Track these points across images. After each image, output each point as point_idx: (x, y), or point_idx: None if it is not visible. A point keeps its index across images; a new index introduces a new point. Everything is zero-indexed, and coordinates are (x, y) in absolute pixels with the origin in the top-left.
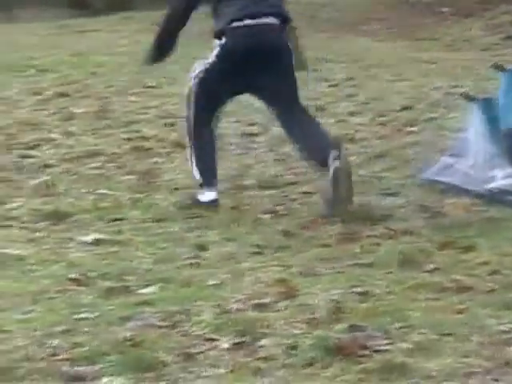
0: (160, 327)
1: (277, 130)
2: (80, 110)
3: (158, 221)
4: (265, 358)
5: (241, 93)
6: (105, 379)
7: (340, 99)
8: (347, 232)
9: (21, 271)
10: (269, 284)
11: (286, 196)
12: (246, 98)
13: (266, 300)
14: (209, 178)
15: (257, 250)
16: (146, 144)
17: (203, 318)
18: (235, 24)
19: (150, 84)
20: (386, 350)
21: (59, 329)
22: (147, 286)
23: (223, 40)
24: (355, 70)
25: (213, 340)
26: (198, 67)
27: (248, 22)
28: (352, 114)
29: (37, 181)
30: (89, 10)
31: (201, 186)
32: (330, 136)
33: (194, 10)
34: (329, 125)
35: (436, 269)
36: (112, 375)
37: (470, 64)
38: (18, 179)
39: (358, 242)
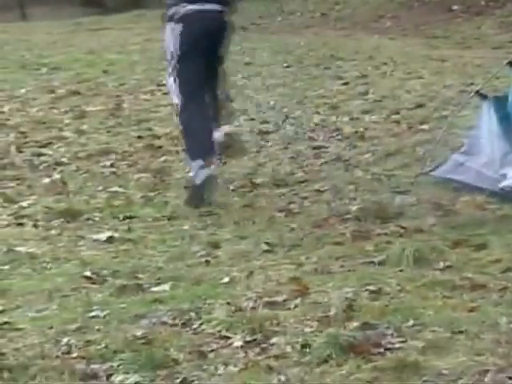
0: (172, 325)
1: (290, 128)
2: (92, 108)
3: (170, 219)
4: (277, 356)
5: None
6: (118, 377)
7: (352, 97)
8: (359, 230)
9: (34, 269)
10: (281, 282)
11: (299, 194)
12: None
13: (279, 298)
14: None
15: (269, 248)
16: (158, 142)
17: (215, 316)
18: (190, 8)
19: (162, 82)
20: (399, 348)
21: (73, 327)
22: (159, 284)
23: (181, 23)
24: (367, 68)
25: (225, 338)
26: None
27: (199, 7)
28: (364, 111)
29: (49, 179)
30: (102, 9)
31: (195, 170)
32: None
33: None
34: (342, 123)
35: (448, 267)
36: (125, 373)
37: (481, 62)
38: (31, 177)
39: (371, 240)
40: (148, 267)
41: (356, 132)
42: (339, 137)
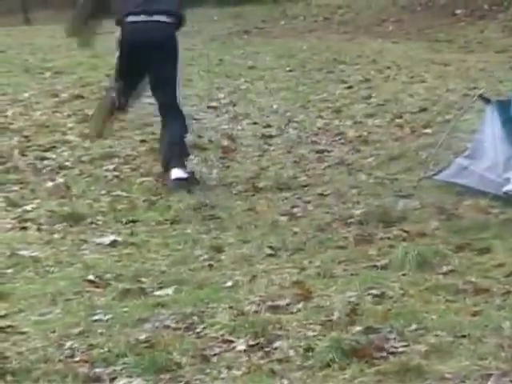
0: (175, 329)
1: (293, 132)
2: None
3: (173, 222)
4: (280, 360)
5: (141, 72)
6: (121, 381)
7: (355, 101)
8: (362, 234)
9: (37, 273)
10: (284, 286)
11: (302, 198)
12: (263, 101)
13: (281, 302)
14: None
15: (272, 251)
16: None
17: (218, 319)
18: (132, 18)
19: None
20: (402, 352)
21: (76, 330)
22: (162, 287)
23: (122, 30)
24: (370, 72)
25: (228, 342)
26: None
27: (142, 17)
28: (368, 115)
29: (53, 183)
30: (105, 12)
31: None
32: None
33: None
34: (345, 127)
35: (451, 271)
36: (128, 377)
37: (484, 66)
38: (35, 181)
39: (374, 244)
40: (151, 271)
41: (359, 136)
42: (342, 141)
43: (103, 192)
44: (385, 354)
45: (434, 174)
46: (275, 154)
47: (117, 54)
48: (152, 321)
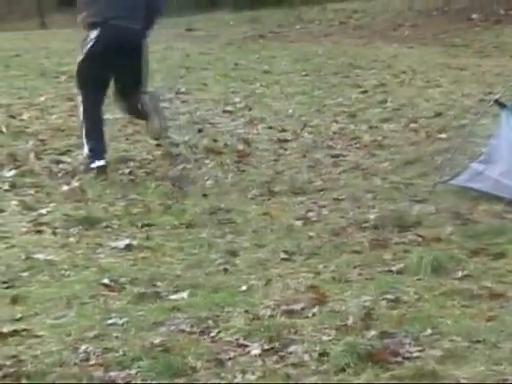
0: (190, 333)
1: (308, 136)
2: (111, 116)
3: (188, 226)
4: (295, 365)
5: (111, 72)
6: None
7: (371, 106)
8: (378, 239)
9: (53, 276)
10: (299, 290)
11: (317, 202)
12: (278, 105)
13: (297, 306)
14: (98, 152)
15: (287, 256)
16: (176, 150)
17: (233, 324)
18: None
19: (181, 90)
20: (417, 357)
21: (91, 334)
22: (177, 291)
23: (96, 33)
24: (386, 77)
25: (243, 346)
26: (81, 52)
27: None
28: (383, 120)
29: (68, 186)
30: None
31: (92, 157)
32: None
33: None
34: (361, 131)
35: (466, 276)
36: (143, 380)
37: (500, 71)
38: (50, 185)
39: (389, 249)
40: (166, 275)
41: (374, 140)
42: (357, 145)
43: (118, 196)
44: (400, 358)
45: (450, 179)
46: (290, 159)
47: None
48: (167, 325)
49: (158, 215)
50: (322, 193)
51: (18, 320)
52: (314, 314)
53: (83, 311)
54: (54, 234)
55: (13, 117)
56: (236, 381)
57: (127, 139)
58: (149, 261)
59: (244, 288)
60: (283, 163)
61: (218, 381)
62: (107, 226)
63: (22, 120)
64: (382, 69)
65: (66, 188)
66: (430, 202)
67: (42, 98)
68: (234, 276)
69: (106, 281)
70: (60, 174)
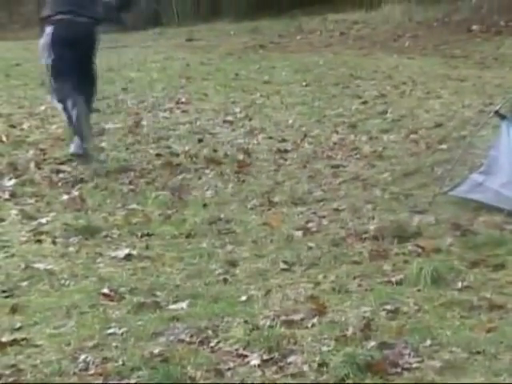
0: (189, 343)
1: (308, 147)
2: (111, 126)
3: (188, 236)
4: (294, 375)
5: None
6: None
7: (371, 116)
8: (377, 249)
9: (52, 286)
10: (299, 301)
11: (317, 213)
12: (279, 116)
13: (296, 317)
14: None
15: (287, 266)
16: (177, 160)
17: (232, 334)
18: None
19: (181, 100)
20: (416, 368)
21: (90, 343)
22: (177, 301)
23: (52, 26)
24: (386, 88)
25: (242, 356)
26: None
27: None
28: (383, 131)
29: (68, 196)
30: (121, 26)
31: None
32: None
33: None
34: (361, 142)
35: (466, 287)
36: None
37: (500, 82)
38: (50, 194)
39: (389, 260)
40: (166, 285)
41: (374, 151)
42: (358, 156)
43: (118, 205)
44: (399, 369)
45: (449, 190)
46: (290, 169)
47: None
48: (166, 334)
49: (157, 225)
50: (321, 203)
51: (18, 329)
52: (313, 325)
53: (83, 321)
54: (54, 243)
55: (13, 126)
56: None
57: (127, 149)
58: (148, 270)
59: (244, 298)
60: (283, 173)
61: None
62: (107, 236)
63: (22, 129)
64: (382, 79)
65: (65, 197)
66: (429, 212)
67: (43, 108)
68: (234, 286)
69: (105, 290)
70: (60, 184)
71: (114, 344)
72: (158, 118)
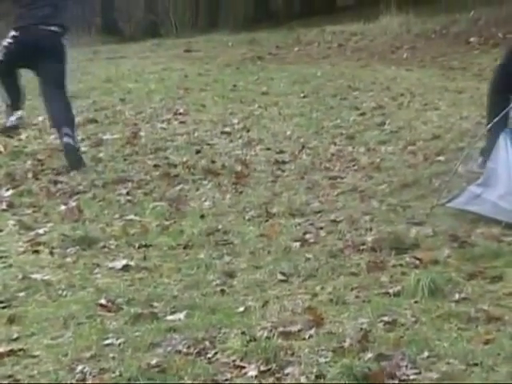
0: (186, 354)
1: (306, 158)
2: (109, 137)
3: (186, 247)
4: None
5: (26, 66)
6: None
7: (369, 128)
8: (375, 261)
9: (50, 296)
10: (296, 312)
11: (315, 224)
12: (276, 127)
13: (293, 328)
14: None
15: (284, 277)
16: (174, 171)
17: (230, 345)
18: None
19: (179, 111)
20: (414, 380)
21: (87, 354)
22: (174, 312)
23: (15, 33)
24: (384, 99)
25: (239, 367)
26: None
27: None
28: (381, 142)
29: (66, 206)
30: (119, 37)
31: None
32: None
33: None
34: (358, 153)
35: (464, 299)
36: None
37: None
38: (48, 205)
39: (386, 271)
40: (163, 296)
41: (372, 163)
42: (355, 167)
43: (116, 216)
44: (397, 381)
45: (447, 202)
46: (288, 180)
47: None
48: (164, 345)
49: (155, 236)
50: (319, 215)
51: (15, 340)
52: (310, 336)
53: (80, 331)
54: (52, 253)
55: (11, 136)
56: None
57: (125, 159)
58: (146, 281)
59: (241, 309)
60: (281, 185)
61: None
62: (104, 247)
63: (20, 140)
64: (380, 91)
65: (63, 208)
66: (427, 224)
67: (40, 118)
68: (231, 297)
69: (102, 301)
70: (58, 194)
71: (111, 355)
72: (155, 128)
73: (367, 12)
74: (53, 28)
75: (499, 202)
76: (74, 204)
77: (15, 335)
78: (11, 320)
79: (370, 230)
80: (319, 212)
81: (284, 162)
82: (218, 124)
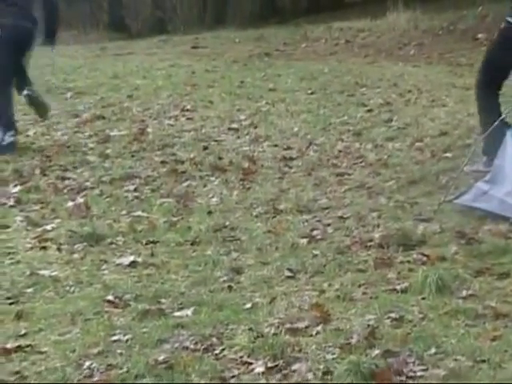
0: (194, 350)
1: (313, 154)
2: (116, 133)
3: (193, 244)
4: (299, 383)
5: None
6: None
7: (376, 124)
8: (382, 257)
9: (57, 293)
10: (303, 308)
11: (322, 221)
12: (284, 123)
13: (301, 324)
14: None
15: (292, 274)
16: (182, 167)
17: (237, 341)
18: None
19: (186, 107)
20: (421, 377)
21: (95, 350)
22: (182, 308)
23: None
24: (391, 96)
25: (247, 364)
26: None
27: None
28: (388, 139)
29: (73, 203)
30: (127, 34)
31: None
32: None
33: None
34: (366, 150)
35: (471, 295)
36: None
37: (505, 90)
38: (55, 201)
39: (393, 268)
40: (170, 292)
41: (379, 159)
42: (363, 164)
43: (123, 212)
44: (404, 378)
45: (454, 198)
46: (295, 177)
47: None
48: (171, 342)
49: (162, 232)
50: (326, 211)
51: (22, 336)
52: (317, 333)
53: (87, 327)
54: (59, 250)
55: (19, 133)
56: None
57: (132, 156)
58: (153, 278)
59: (248, 306)
60: (288, 181)
61: None
62: (112, 243)
63: (27, 136)
64: (387, 87)
65: (71, 204)
66: (434, 221)
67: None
68: (239, 293)
69: (110, 297)
70: (65, 191)
71: (118, 351)
72: (163, 125)
73: (374, 8)
74: None
75: (506, 199)
76: (81, 200)
77: (23, 331)
78: (19, 316)
79: (378, 226)
80: (326, 208)
81: (291, 159)
82: (225, 120)
